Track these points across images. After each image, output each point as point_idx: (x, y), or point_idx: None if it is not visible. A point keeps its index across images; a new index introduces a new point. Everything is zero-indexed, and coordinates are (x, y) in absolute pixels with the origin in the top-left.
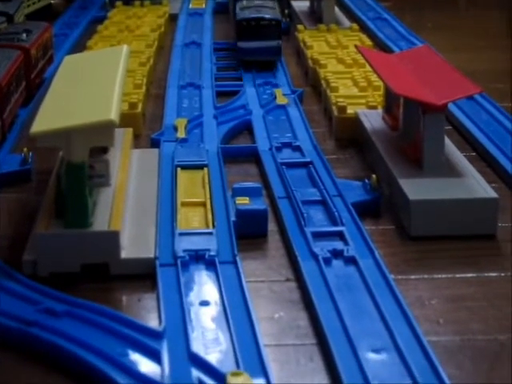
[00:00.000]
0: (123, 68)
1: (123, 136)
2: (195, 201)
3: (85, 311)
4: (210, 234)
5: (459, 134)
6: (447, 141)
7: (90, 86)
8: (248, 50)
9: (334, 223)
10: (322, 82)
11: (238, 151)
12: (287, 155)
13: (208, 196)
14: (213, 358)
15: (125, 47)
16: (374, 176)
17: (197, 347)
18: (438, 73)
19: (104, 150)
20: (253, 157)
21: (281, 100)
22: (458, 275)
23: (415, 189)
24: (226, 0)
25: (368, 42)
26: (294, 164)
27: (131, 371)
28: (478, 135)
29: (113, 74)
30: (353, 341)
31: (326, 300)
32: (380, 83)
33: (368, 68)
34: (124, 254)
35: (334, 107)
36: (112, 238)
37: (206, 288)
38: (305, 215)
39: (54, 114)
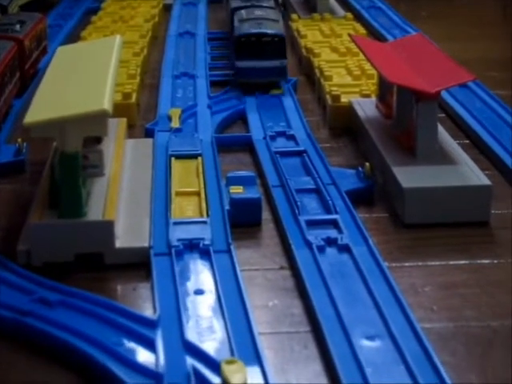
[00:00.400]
0: (116, 58)
1: (117, 126)
2: (189, 190)
3: (79, 301)
4: (204, 222)
5: (452, 121)
6: (440, 128)
7: (83, 77)
8: (247, 71)
9: (328, 211)
10: (316, 70)
11: (232, 140)
12: (281, 144)
13: (202, 185)
14: (207, 346)
15: (118, 37)
16: (367, 164)
17: (191, 335)
18: (432, 61)
19: (98, 140)
20: (247, 146)
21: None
22: (451, 262)
23: (409, 177)
24: None
25: (362, 30)
26: (287, 153)
27: (126, 360)
28: (472, 122)
29: (106, 65)
30: (347, 328)
31: (320, 288)
32: (373, 72)
33: (362, 57)
34: (118, 244)
35: (327, 96)
36: (106, 227)
37: (200, 277)
38: (299, 204)
39: (47, 104)
